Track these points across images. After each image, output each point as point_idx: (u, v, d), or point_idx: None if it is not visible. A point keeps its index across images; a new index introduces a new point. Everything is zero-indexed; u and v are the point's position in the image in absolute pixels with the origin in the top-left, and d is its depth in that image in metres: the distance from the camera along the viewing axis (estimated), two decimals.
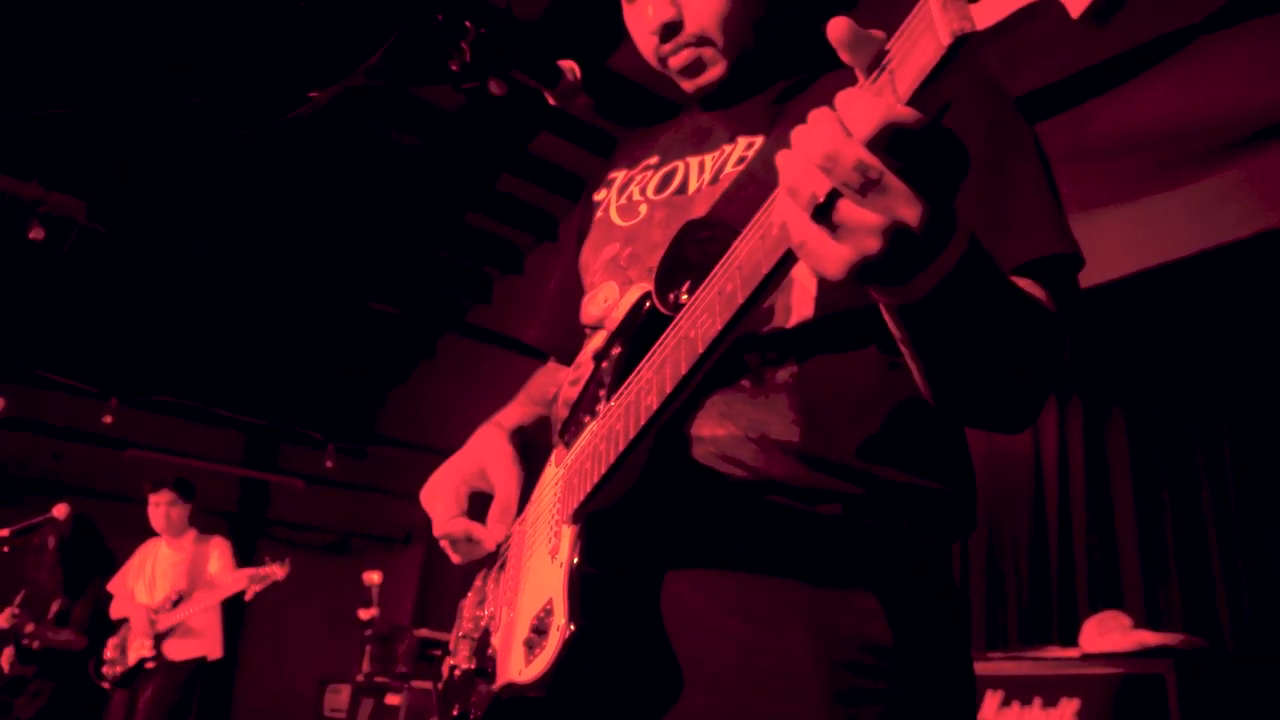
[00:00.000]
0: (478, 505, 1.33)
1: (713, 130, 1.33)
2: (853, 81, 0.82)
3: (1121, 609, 3.44)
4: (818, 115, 0.76)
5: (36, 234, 4.64)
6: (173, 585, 5.30)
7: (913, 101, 0.72)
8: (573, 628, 1.02)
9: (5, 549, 3.52)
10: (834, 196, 0.75)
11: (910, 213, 0.74)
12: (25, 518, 4.43)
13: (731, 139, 1.28)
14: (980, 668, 3.08)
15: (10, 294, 6.23)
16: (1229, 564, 3.27)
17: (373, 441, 8.29)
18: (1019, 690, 2.82)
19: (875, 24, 0.78)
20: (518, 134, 6.79)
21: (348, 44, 4.00)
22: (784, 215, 0.79)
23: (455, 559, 1.33)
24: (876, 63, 0.75)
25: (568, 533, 1.10)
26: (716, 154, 1.29)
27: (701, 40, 1.26)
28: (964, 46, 0.69)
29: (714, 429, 1.11)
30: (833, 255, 0.77)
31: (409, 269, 7.89)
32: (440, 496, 1.32)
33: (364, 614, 6.13)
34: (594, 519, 1.09)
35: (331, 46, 4.02)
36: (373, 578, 6.15)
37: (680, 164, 1.34)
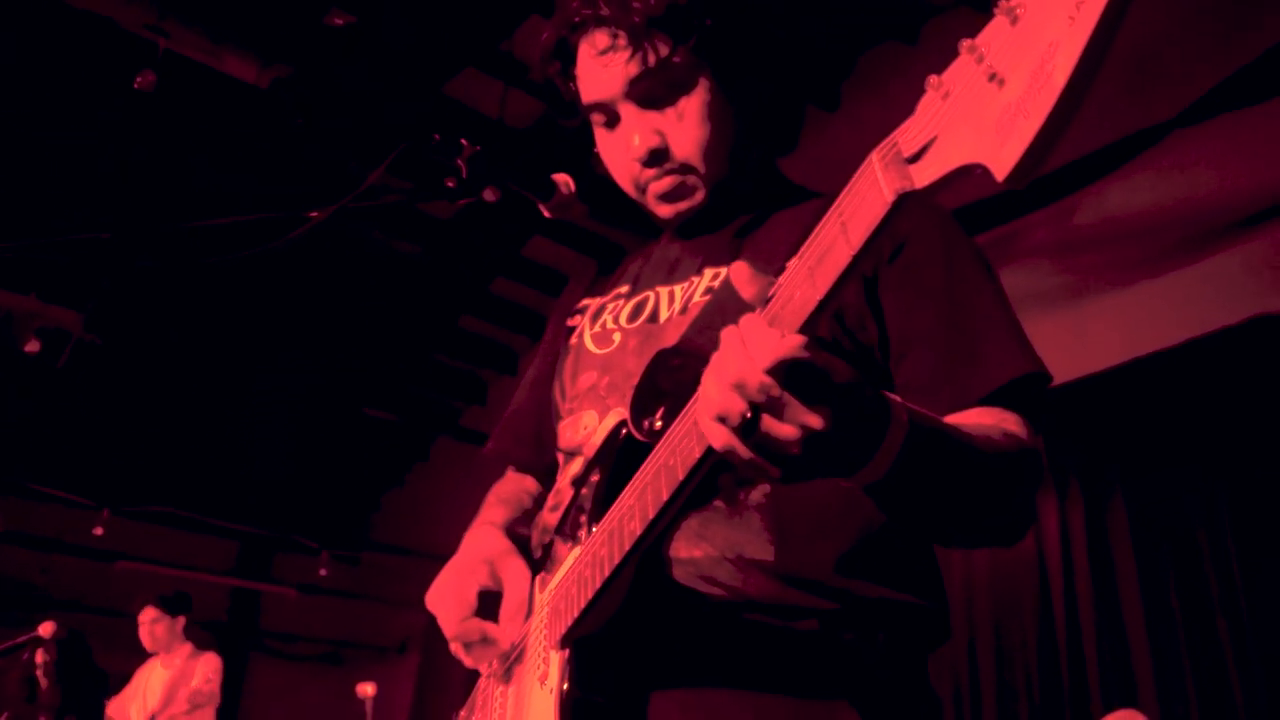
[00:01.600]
0: (485, 605, 1.31)
1: (681, 260, 1.39)
2: (801, 220, 1.11)
3: (1135, 704, 3.36)
4: (728, 339, 0.87)
5: (32, 347, 4.66)
6: (154, 705, 5.14)
7: (862, 250, 0.82)
8: None
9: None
10: (756, 411, 0.85)
11: (816, 420, 0.83)
12: (12, 635, 4.31)
13: (699, 269, 1.33)
14: None
15: (4, 407, 6.22)
16: (1239, 650, 3.21)
17: (367, 548, 8.17)
18: None
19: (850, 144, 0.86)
20: (510, 238, 6.90)
21: (346, 159, 4.12)
22: (711, 434, 0.87)
23: (468, 663, 1.32)
24: (766, 296, 0.90)
25: (556, 658, 1.11)
26: (685, 284, 1.34)
27: (686, 168, 1.30)
28: (903, 202, 0.80)
29: (691, 550, 1.13)
30: (763, 462, 0.86)
31: (403, 373, 7.91)
32: (448, 598, 1.31)
33: None
34: (581, 644, 1.11)
35: (330, 163, 4.13)
36: (366, 689, 5.96)
37: (651, 293, 1.39)
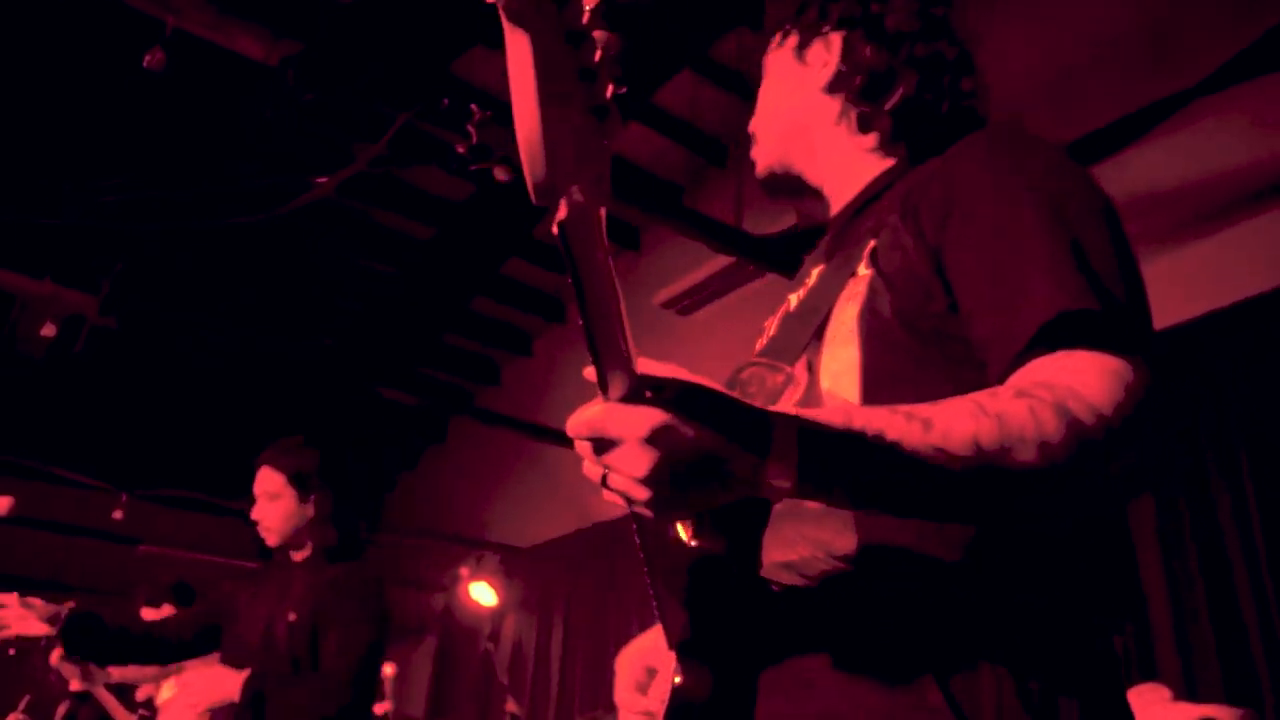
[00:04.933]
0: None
1: (808, 257, 1.40)
2: (897, 200, 1.18)
3: (1158, 681, 3.34)
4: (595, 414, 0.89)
5: (48, 331, 4.68)
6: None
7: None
8: None
9: (11, 651, 3.43)
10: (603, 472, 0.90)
11: (625, 469, 0.86)
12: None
13: (808, 269, 1.35)
14: None
15: (22, 392, 6.25)
16: (1265, 619, 3.18)
17: (382, 530, 8.20)
18: None
19: None
20: (522, 220, 6.89)
21: (355, 137, 4.09)
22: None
23: None
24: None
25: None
26: (800, 287, 1.35)
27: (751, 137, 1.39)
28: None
29: (788, 554, 1.11)
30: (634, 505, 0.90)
31: (417, 355, 7.92)
32: (628, 666, 1.34)
33: (377, 708, 5.97)
34: (685, 647, 1.08)
35: (339, 139, 4.11)
36: (385, 670, 6.00)
37: (789, 295, 1.39)
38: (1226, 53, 3.63)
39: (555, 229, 0.79)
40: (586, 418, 0.87)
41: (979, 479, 0.91)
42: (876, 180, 1.30)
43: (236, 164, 3.57)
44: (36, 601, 2.89)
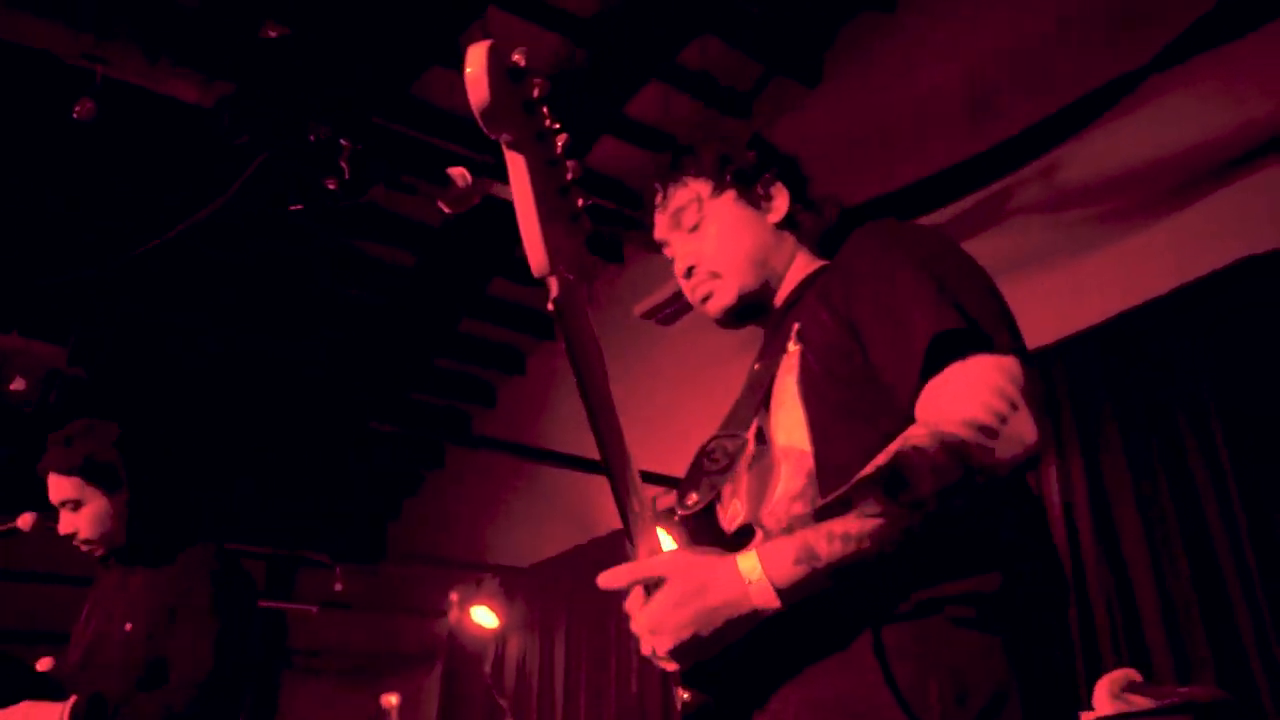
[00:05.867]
0: None
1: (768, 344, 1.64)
2: (815, 296, 1.53)
3: (1149, 666, 3.28)
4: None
5: (18, 385, 4.69)
6: None
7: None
8: None
9: None
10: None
11: (657, 639, 1.24)
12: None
13: (755, 361, 1.63)
14: None
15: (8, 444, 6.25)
16: (1249, 591, 3.13)
17: (385, 559, 8.19)
18: None
19: None
20: (504, 239, 6.87)
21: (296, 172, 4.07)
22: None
23: None
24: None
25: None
26: (749, 372, 1.63)
27: (713, 275, 1.62)
28: None
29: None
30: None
31: (410, 382, 7.90)
32: None
33: None
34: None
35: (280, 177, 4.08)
36: (390, 700, 5.98)
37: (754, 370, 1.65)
38: (1179, 26, 3.58)
39: (551, 305, 1.11)
40: (640, 616, 1.25)
41: (906, 539, 1.18)
42: (806, 279, 1.61)
43: (185, 203, 3.55)
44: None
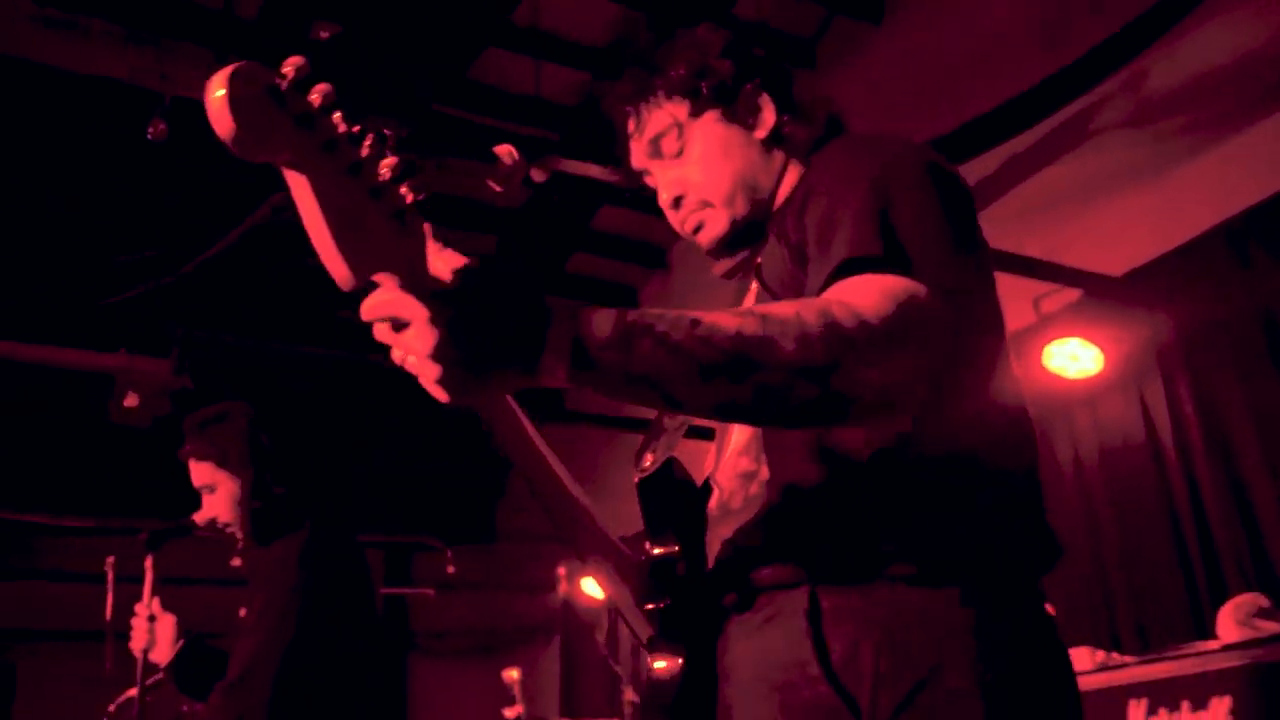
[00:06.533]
0: None
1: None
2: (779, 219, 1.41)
3: (1273, 588, 3.14)
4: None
5: (131, 401, 4.93)
6: None
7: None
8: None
9: (149, 699, 3.58)
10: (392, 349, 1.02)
11: (415, 347, 0.97)
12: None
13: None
14: (1119, 676, 2.85)
15: (133, 460, 6.57)
16: None
17: (495, 539, 8.37)
18: (1164, 695, 2.57)
19: None
20: (581, 214, 6.90)
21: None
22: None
23: None
24: None
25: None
26: None
27: (704, 204, 1.47)
28: None
29: (719, 551, 1.33)
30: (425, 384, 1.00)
31: None
32: None
33: (509, 713, 6.09)
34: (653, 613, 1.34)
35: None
36: (512, 674, 6.11)
37: None
38: None
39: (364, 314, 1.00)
40: (378, 300, 0.97)
41: (738, 367, 0.99)
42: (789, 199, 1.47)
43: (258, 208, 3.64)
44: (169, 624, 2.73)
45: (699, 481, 1.43)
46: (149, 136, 3.30)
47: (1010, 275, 4.49)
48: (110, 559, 3.06)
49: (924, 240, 1.14)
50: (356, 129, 0.97)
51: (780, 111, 1.48)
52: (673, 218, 1.50)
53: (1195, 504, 3.48)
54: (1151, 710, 2.60)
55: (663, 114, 1.47)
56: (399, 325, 0.97)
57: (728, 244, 1.47)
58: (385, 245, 0.96)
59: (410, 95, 3.53)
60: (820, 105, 1.51)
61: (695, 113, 1.46)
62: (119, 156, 4.14)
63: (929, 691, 1.07)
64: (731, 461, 1.33)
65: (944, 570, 1.12)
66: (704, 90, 1.46)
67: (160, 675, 3.58)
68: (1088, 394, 4.15)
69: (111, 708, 3.14)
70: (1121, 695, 2.70)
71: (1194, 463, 3.52)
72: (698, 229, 1.48)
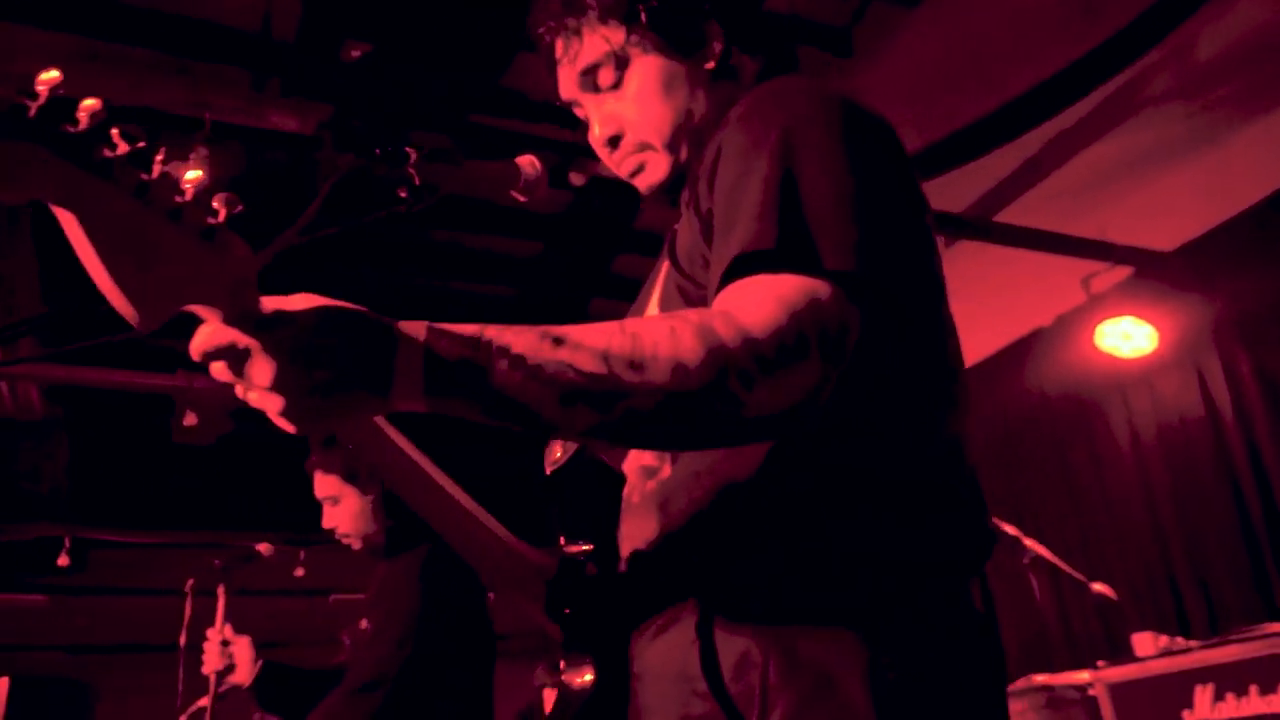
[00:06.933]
0: None
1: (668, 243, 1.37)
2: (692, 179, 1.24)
3: None
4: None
5: (190, 421, 5.06)
6: None
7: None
8: None
9: (218, 706, 3.69)
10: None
11: (254, 380, 0.89)
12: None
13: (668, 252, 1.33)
14: (1183, 661, 2.78)
15: (198, 476, 6.74)
16: None
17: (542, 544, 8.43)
18: (1230, 679, 2.50)
19: None
20: (622, 215, 6.92)
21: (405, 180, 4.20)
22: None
23: None
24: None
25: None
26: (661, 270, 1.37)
27: (643, 145, 1.32)
28: None
29: (623, 546, 1.21)
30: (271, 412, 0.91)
31: None
32: None
33: None
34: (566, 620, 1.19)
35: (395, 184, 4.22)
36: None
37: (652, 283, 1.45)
38: None
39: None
40: (202, 338, 0.89)
41: (603, 393, 0.91)
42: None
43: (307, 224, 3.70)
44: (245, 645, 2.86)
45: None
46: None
47: (1058, 256, 4.42)
48: (190, 581, 3.17)
49: (834, 215, 1.00)
50: (143, 145, 0.83)
51: (729, 40, 1.32)
52: (607, 157, 1.35)
53: (1260, 480, 3.39)
54: (1218, 696, 2.54)
55: (596, 39, 1.30)
56: (235, 360, 0.89)
57: (668, 190, 1.32)
58: (194, 272, 0.85)
59: (445, 106, 3.57)
60: (772, 34, 1.37)
61: (633, 40, 1.29)
62: None
63: (821, 704, 0.97)
64: (636, 453, 1.23)
65: (841, 580, 1.02)
66: (642, 15, 1.29)
67: (231, 686, 3.71)
68: (1143, 372, 4.07)
69: (183, 718, 3.24)
70: (1187, 681, 2.64)
71: (1257, 438, 3.43)
72: (635, 172, 1.32)
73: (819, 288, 0.96)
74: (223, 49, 3.86)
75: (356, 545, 2.81)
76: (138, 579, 7.85)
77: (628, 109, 1.30)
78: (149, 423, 6.70)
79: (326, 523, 2.80)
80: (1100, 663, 3.24)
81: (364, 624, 2.71)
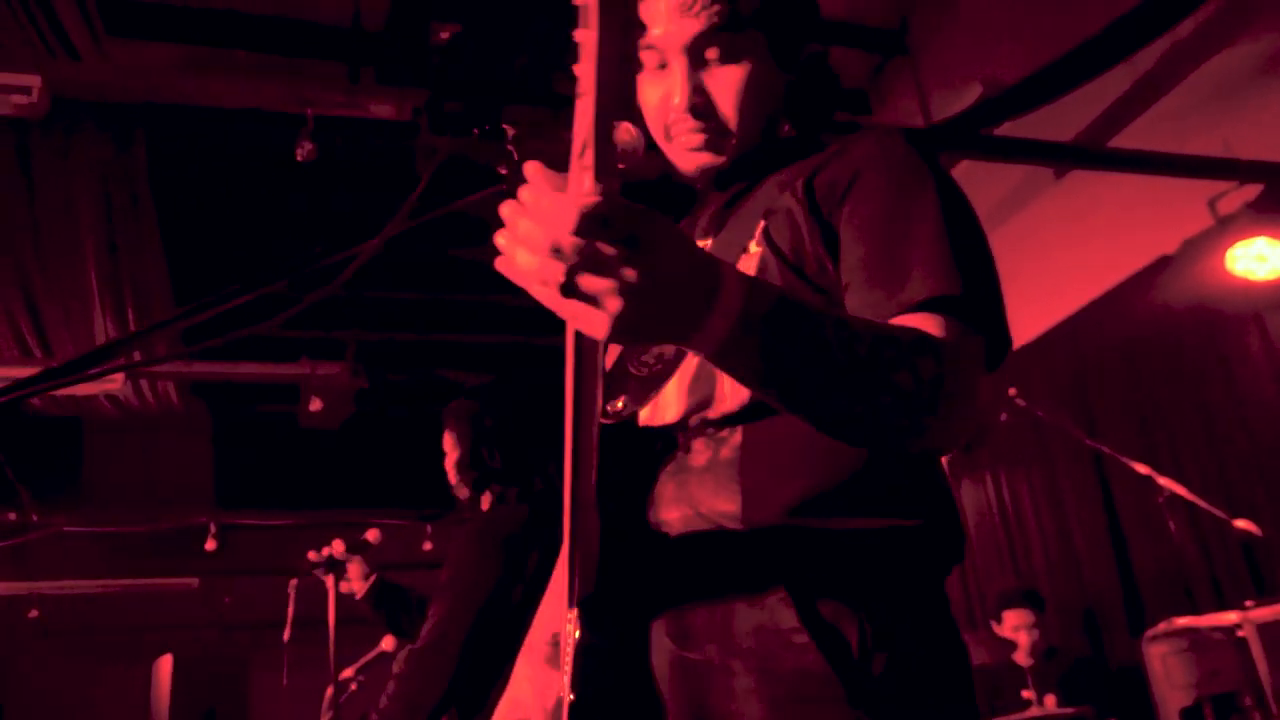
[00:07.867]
0: None
1: (694, 226, 1.39)
2: (789, 180, 1.26)
3: None
4: (535, 204, 0.85)
5: (315, 406, 5.27)
6: None
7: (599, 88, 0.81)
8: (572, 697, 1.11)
9: (354, 686, 3.88)
10: (573, 272, 0.84)
11: (631, 272, 0.83)
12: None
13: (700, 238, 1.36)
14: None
15: (328, 458, 7.00)
16: None
17: None
18: None
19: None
20: (678, 211, 6.86)
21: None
22: (543, 299, 0.88)
23: None
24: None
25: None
26: None
27: (722, 129, 1.31)
28: None
29: (670, 512, 1.21)
30: (593, 320, 0.86)
31: None
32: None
33: None
34: (585, 601, 1.16)
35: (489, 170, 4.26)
36: None
37: None
38: None
39: None
40: (616, 201, 0.82)
41: (873, 376, 0.98)
42: (774, 151, 1.35)
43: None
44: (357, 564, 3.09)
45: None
46: (298, 158, 3.50)
47: (1179, 178, 4.19)
48: (293, 582, 3.38)
49: (984, 283, 1.13)
50: None
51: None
52: (677, 123, 1.30)
53: None
54: None
55: (721, 7, 1.25)
56: (629, 243, 0.82)
57: (714, 175, 1.32)
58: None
59: (534, 82, 3.59)
60: (817, 60, 1.39)
61: (749, 24, 1.27)
62: (282, 178, 4.36)
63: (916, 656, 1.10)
64: (702, 427, 1.22)
65: (918, 558, 1.15)
66: (772, 28, 1.29)
67: (366, 659, 3.92)
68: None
69: (330, 689, 3.45)
70: None
71: None
72: (699, 148, 1.30)
73: (980, 343, 1.11)
74: (318, 45, 3.96)
75: (460, 496, 2.92)
76: (280, 559, 8.25)
77: (725, 95, 1.28)
78: (278, 411, 7.00)
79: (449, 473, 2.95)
80: (1248, 603, 3.11)
81: (443, 579, 2.74)
